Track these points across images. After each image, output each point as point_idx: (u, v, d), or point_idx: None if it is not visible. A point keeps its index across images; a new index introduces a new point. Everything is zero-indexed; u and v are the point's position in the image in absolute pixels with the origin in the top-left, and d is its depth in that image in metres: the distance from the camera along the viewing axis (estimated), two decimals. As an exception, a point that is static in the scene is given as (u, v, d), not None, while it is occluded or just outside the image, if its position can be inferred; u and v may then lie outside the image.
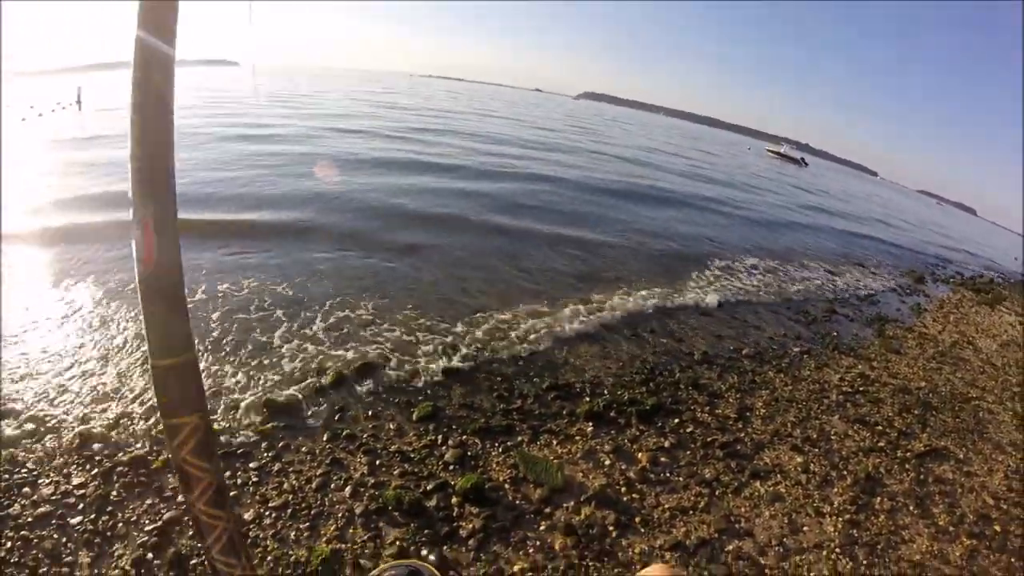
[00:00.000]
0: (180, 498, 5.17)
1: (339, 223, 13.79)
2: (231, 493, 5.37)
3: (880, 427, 7.94)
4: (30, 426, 5.83)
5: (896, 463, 7.12)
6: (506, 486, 5.79)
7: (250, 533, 4.88)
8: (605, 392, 7.80)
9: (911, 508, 6.30)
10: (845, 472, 6.75)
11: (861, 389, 9.07)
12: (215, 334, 8.01)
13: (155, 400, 0.83)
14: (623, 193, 23.50)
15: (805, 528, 5.75)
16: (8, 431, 5.73)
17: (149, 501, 5.08)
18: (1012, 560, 5.68)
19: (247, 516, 5.02)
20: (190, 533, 4.79)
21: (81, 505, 4.96)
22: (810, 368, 9.66)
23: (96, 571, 4.39)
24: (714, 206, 25.11)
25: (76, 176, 16.17)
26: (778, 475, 6.51)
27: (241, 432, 6.14)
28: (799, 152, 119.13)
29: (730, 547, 5.37)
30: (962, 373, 10.62)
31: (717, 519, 5.69)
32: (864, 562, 5.41)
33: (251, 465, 5.65)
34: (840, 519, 5.93)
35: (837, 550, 5.52)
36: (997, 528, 6.15)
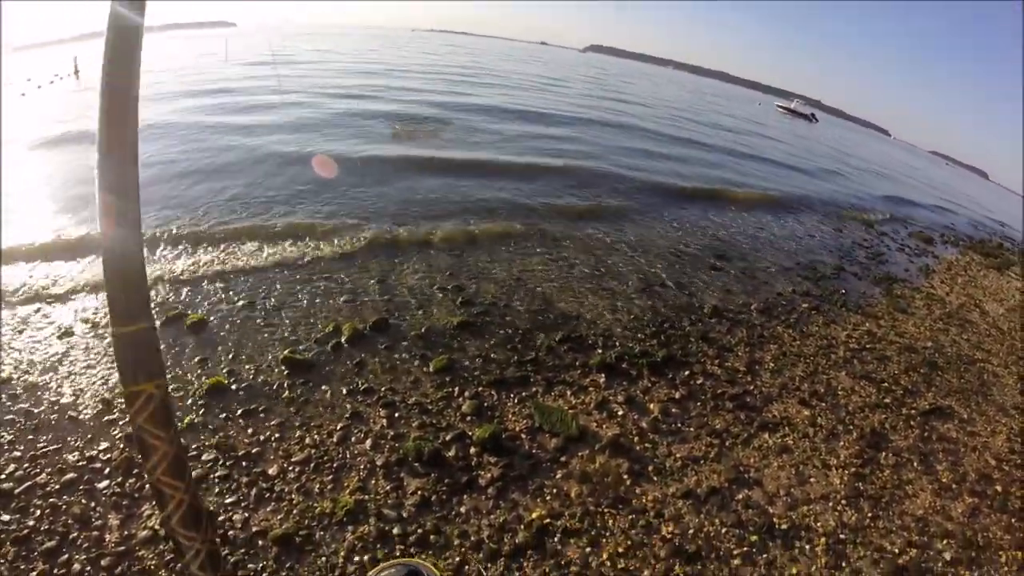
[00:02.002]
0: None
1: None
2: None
3: (886, 384, 8.05)
4: (52, 396, 5.93)
5: (901, 420, 7.25)
6: (522, 436, 5.96)
7: (275, 487, 5.03)
8: (617, 344, 7.94)
9: (915, 464, 6.44)
10: (851, 427, 6.89)
11: (868, 346, 9.16)
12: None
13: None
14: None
15: (812, 480, 5.91)
16: (30, 401, 5.83)
17: None
18: (1012, 520, 5.82)
19: (271, 471, 5.18)
20: (216, 490, 4.97)
21: (107, 469, 5.08)
22: (818, 324, 9.74)
23: (126, 532, 4.53)
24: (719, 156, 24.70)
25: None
26: (786, 428, 6.66)
27: (261, 389, 6.28)
28: (809, 108, 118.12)
29: (740, 496, 5.53)
30: (968, 335, 10.68)
31: (727, 469, 5.85)
32: (869, 515, 5.57)
33: (272, 422, 5.80)
34: (846, 472, 6.08)
35: (843, 502, 5.68)
36: (998, 488, 6.28)
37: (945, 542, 5.41)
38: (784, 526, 5.26)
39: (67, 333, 6.95)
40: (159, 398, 0.86)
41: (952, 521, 5.68)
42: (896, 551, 5.20)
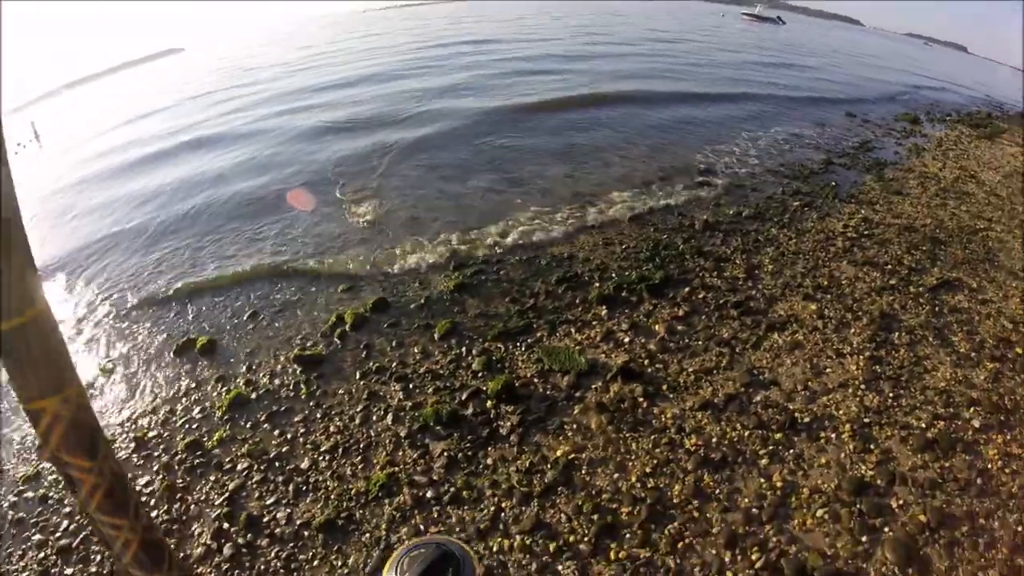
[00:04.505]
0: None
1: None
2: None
3: (890, 266, 8.04)
4: None
5: (910, 298, 7.25)
6: (535, 380, 6.06)
7: (310, 479, 5.21)
8: (613, 275, 7.98)
9: (930, 339, 6.45)
10: (860, 313, 6.91)
11: (866, 233, 9.14)
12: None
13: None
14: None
15: (828, 370, 5.97)
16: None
17: (212, 477, 5.44)
18: None
19: (303, 465, 5.35)
20: (256, 494, 5.15)
21: (152, 500, 5.29)
22: (812, 220, 9.73)
23: (181, 554, 4.73)
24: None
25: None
26: (794, 324, 6.70)
27: (279, 392, 6.43)
28: (775, 11, 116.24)
29: (757, 398, 5.62)
30: (967, 206, 10.58)
31: (741, 374, 5.93)
32: (890, 395, 5.61)
33: (296, 419, 5.97)
34: (861, 357, 6.12)
35: (862, 387, 5.72)
36: (1019, 350, 6.25)
37: (972, 410, 5.42)
38: (807, 419, 5.34)
39: (89, 384, 7.15)
40: (70, 416, 0.64)
41: (976, 389, 5.69)
42: (923, 426, 5.24)
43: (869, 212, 10.11)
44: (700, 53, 36.18)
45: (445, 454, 5.24)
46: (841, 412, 5.41)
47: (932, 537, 4.24)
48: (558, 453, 5.13)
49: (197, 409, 6.38)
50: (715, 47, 39.68)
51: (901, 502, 4.53)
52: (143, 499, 5.29)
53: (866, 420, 5.33)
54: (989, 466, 4.83)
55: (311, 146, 16.64)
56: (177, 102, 31.20)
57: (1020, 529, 4.27)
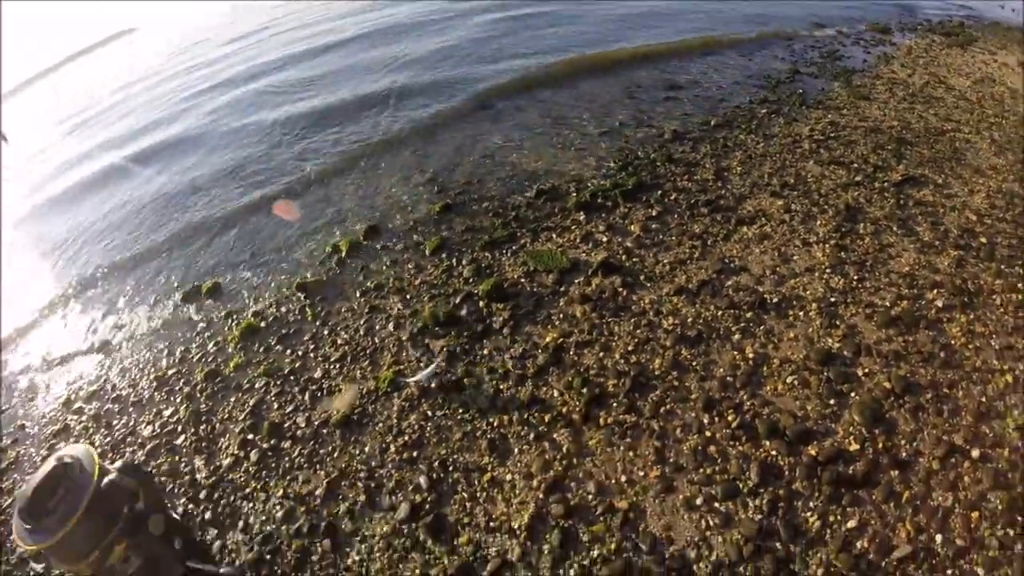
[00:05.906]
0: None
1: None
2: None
3: (855, 165, 8.33)
4: (112, 393, 6.76)
5: (875, 193, 7.56)
6: (522, 280, 6.55)
7: (323, 386, 5.80)
8: (588, 184, 8.33)
9: (895, 229, 6.77)
10: (826, 207, 7.25)
11: (832, 135, 9.40)
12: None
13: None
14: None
15: (795, 257, 6.38)
16: (96, 404, 6.65)
17: (233, 399, 6.03)
18: (1002, 266, 6.04)
19: (316, 375, 5.94)
20: (276, 405, 5.75)
21: (179, 427, 5.91)
22: (779, 125, 9.98)
23: (212, 466, 5.35)
24: None
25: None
26: (762, 219, 7.09)
27: (286, 318, 6.98)
28: None
29: (729, 283, 6.07)
30: (935, 110, 10.69)
31: (713, 263, 6.37)
32: (855, 277, 5.99)
33: (305, 338, 6.53)
34: (827, 245, 6.50)
35: (828, 270, 6.12)
36: (983, 240, 6.48)
37: (935, 292, 5.73)
38: (775, 299, 5.77)
39: (105, 345, 7.73)
40: None
41: (939, 273, 5.99)
42: (887, 304, 5.61)
43: (836, 116, 10.35)
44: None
45: (445, 349, 5.75)
46: (808, 293, 5.82)
47: (897, 402, 4.60)
48: (547, 340, 5.63)
49: (211, 344, 6.91)
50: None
51: (867, 371, 4.90)
52: (171, 426, 5.91)
53: (832, 299, 5.72)
54: (952, 342, 5.12)
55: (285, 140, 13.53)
56: (138, 92, 27.28)
57: (984, 400, 4.58)
